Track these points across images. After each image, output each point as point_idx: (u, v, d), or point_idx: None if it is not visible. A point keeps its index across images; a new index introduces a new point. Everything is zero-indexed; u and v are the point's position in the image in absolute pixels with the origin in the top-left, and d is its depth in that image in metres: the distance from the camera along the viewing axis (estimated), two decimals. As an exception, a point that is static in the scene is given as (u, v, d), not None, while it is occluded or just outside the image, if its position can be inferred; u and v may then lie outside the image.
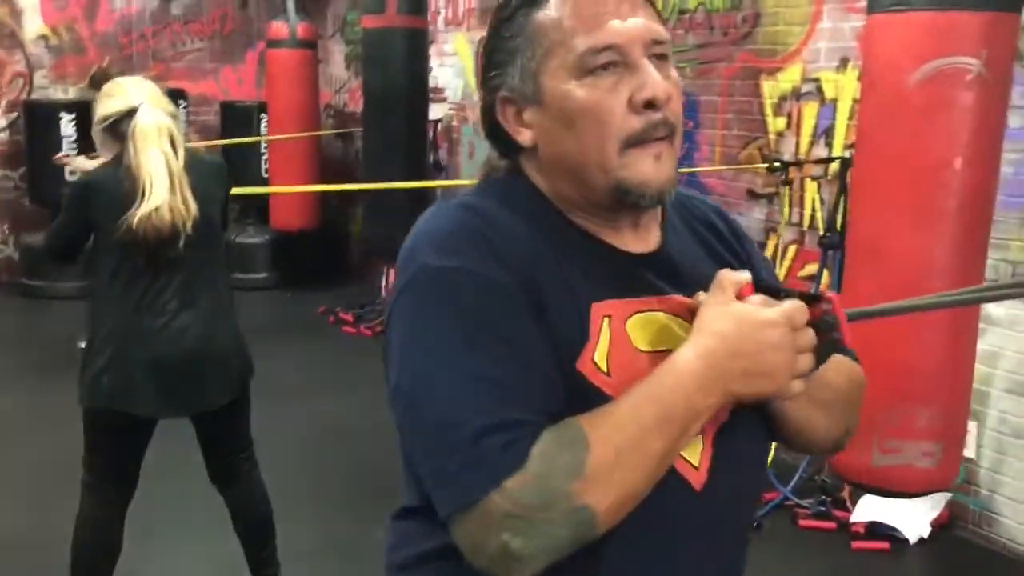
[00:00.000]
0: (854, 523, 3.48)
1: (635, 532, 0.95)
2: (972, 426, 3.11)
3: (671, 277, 1.04)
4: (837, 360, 1.04)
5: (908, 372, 2.54)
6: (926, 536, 3.42)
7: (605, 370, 0.96)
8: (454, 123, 6.35)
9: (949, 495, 3.41)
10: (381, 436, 4.44)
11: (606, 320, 0.97)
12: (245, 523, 2.69)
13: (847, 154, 3.75)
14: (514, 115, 1.02)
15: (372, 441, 4.41)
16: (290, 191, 6.12)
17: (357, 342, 5.86)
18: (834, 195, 3.63)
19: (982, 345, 3.02)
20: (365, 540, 3.41)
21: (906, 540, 3.39)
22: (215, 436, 2.61)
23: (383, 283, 6.75)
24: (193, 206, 2.35)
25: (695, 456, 0.99)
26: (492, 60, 1.04)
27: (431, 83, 5.86)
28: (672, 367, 0.93)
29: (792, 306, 0.94)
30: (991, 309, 3.19)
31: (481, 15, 5.94)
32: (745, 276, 0.97)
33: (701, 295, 0.98)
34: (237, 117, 7.20)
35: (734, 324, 0.93)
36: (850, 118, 3.77)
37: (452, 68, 6.30)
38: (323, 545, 3.29)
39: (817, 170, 3.92)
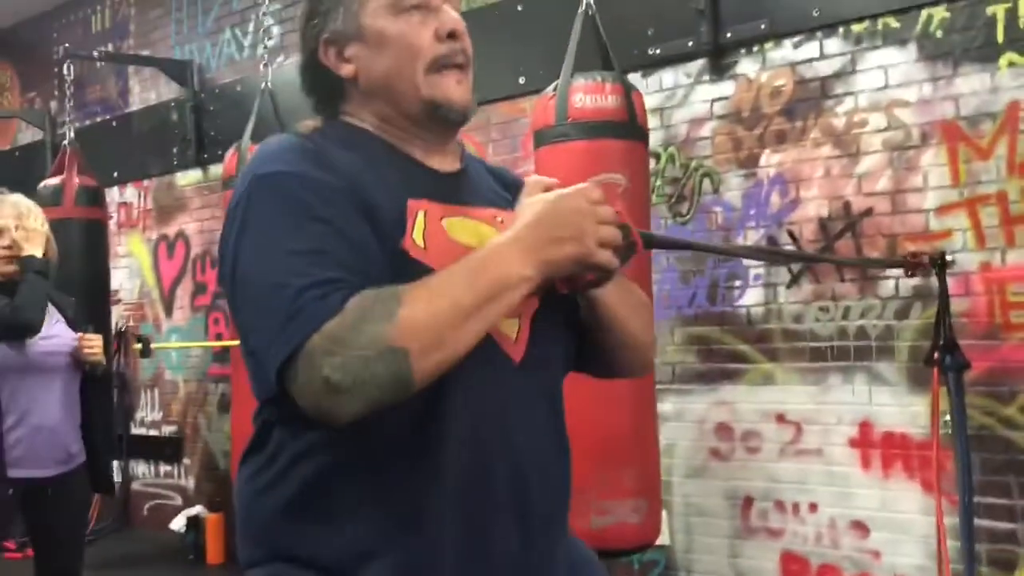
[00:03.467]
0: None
1: (472, 402, 1.11)
2: (663, 515, 3.52)
3: (473, 195, 1.27)
4: (632, 280, 1.28)
5: (609, 437, 2.91)
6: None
7: (422, 245, 1.13)
8: (131, 323, 6.18)
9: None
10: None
11: (421, 212, 1.17)
12: None
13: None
14: (336, 54, 1.23)
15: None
16: None
17: None
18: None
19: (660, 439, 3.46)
20: None
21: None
22: None
23: None
24: None
25: (512, 332, 1.16)
26: (315, 10, 1.26)
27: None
28: (487, 245, 1.09)
29: (587, 185, 1.11)
30: (662, 407, 3.69)
31: (158, 214, 6.01)
32: (552, 180, 1.17)
33: (506, 213, 1.20)
34: None
35: (541, 204, 1.10)
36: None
37: (126, 269, 6.21)
38: None
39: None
